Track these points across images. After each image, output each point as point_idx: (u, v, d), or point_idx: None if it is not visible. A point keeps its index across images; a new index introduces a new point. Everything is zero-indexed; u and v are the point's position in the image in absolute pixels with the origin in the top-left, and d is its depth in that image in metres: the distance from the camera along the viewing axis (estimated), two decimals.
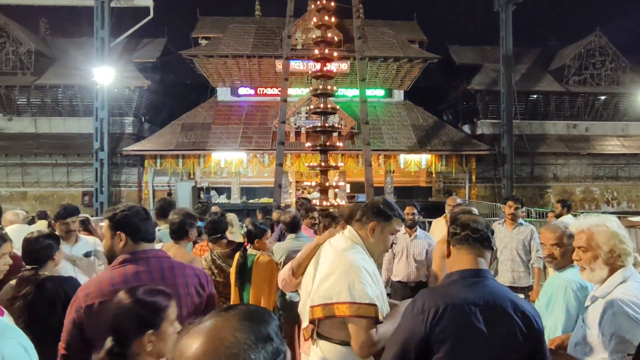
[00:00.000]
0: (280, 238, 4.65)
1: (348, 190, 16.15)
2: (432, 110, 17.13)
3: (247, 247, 3.14)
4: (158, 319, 1.25)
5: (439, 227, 4.39)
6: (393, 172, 15.68)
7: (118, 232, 1.61)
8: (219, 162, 14.32)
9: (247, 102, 16.23)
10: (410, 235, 3.99)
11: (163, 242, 2.81)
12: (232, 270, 3.03)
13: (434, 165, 14.91)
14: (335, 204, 8.50)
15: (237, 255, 3.14)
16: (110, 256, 1.62)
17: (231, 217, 5.48)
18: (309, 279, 1.73)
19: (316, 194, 16.57)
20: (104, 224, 1.65)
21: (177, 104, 17.49)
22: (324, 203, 8.11)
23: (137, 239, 1.63)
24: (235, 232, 5.27)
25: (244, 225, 3.35)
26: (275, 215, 4.98)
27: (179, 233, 2.59)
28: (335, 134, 15.85)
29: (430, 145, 14.89)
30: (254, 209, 15.47)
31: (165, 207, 3.91)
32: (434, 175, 16.20)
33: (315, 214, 4.04)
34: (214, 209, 5.43)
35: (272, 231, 4.56)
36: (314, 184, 8.87)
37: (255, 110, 15.88)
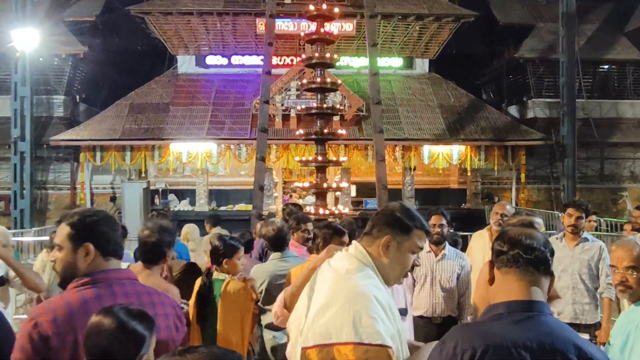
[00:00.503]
0: (262, 258, 4.70)
1: (353, 193, 16.34)
2: (467, 85, 17.20)
3: (213, 270, 3.12)
4: (143, 351, 1.38)
5: (481, 243, 4.33)
6: (414, 169, 15.80)
7: (85, 243, 1.60)
8: (179, 155, 14.34)
9: (218, 75, 16.32)
10: (436, 255, 4.00)
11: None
12: (191, 303, 3.02)
13: (470, 159, 14.98)
14: (337, 212, 8.49)
15: (198, 281, 3.13)
16: (68, 275, 1.60)
17: (189, 229, 5.51)
18: (301, 312, 1.74)
19: (310, 199, 16.73)
20: (61, 231, 1.64)
21: (124, 78, 17.41)
22: (321, 211, 8.11)
23: (107, 253, 1.65)
24: (197, 250, 5.28)
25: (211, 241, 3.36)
26: (258, 227, 5.01)
27: (153, 255, 2.60)
28: (336, 118, 15.59)
29: (465, 132, 14.90)
30: (228, 219, 15.79)
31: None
32: (469, 174, 16.27)
33: (310, 226, 4.03)
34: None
35: (249, 248, 4.59)
36: (307, 185, 8.88)
37: (229, 86, 15.96)
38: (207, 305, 3.00)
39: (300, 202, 15.82)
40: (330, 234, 3.12)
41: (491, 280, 1.50)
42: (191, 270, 3.50)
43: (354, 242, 1.84)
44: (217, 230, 6.19)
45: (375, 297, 1.61)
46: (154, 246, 2.63)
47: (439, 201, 16.69)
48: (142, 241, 2.65)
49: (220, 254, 3.11)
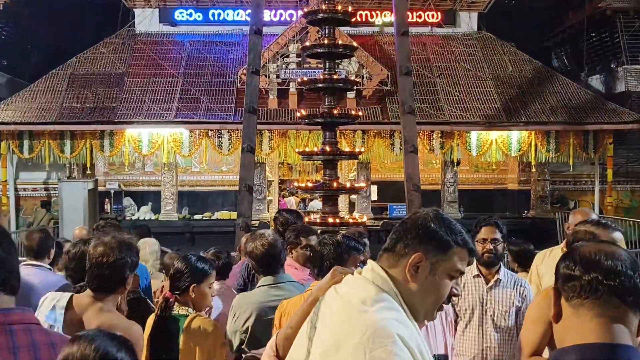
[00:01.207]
0: (247, 284, 4.79)
1: (374, 196, 16.64)
2: (531, 48, 17.34)
3: (172, 302, 3.13)
4: None
5: (550, 265, 4.14)
6: (458, 163, 15.88)
7: None
8: (138, 145, 14.47)
9: (191, 36, 16.64)
10: (487, 281, 4.01)
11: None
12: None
13: (535, 150, 14.98)
14: (351, 221, 8.53)
15: (151, 317, 3.15)
16: None
17: (147, 244, 5.56)
18: (299, 356, 1.78)
19: (316, 204, 16.95)
20: None
21: (62, 39, 17.60)
22: (331, 220, 8.16)
23: None
24: (155, 273, 5.35)
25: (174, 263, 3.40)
26: (243, 243, 4.99)
27: (110, 281, 2.64)
28: (351, 95, 15.68)
29: (528, 113, 14.96)
30: (204, 232, 16.06)
31: (45, 239, 4.08)
32: (533, 170, 16.28)
33: (313, 241, 4.07)
34: (77, 233, 5.38)
35: (226, 272, 4.62)
36: (312, 185, 8.93)
37: (206, 51, 16.17)
38: (163, 352, 2.99)
39: (301, 207, 15.95)
40: (340, 251, 3.13)
41: (557, 316, 1.49)
42: (137, 307, 3.49)
43: (370, 262, 1.84)
44: None
45: (400, 337, 1.62)
46: (113, 269, 2.64)
47: (491, 207, 16.80)
48: (94, 262, 2.66)
49: (185, 280, 3.11)
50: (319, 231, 5.85)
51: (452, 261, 1.77)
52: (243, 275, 4.90)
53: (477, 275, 4.03)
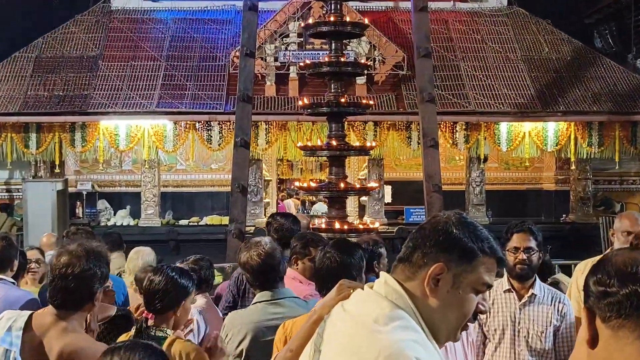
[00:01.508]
0: (237, 301, 4.86)
1: (389, 198, 16.62)
2: (569, 26, 17.36)
3: (149, 323, 3.13)
4: None
5: None
6: (485, 160, 15.90)
7: None
8: (114, 139, 14.51)
9: (175, 13, 16.68)
10: (520, 296, 4.02)
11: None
12: None
13: (574, 144, 14.97)
14: (361, 227, 8.53)
15: (123, 338, 3.11)
16: None
17: (139, 255, 5.61)
18: None
19: (320, 207, 16.91)
20: None
21: (26, 17, 17.70)
22: (338, 226, 8.18)
23: None
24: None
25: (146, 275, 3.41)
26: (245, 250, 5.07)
27: (75, 296, 2.63)
28: (361, 80, 15.63)
29: (566, 101, 14.98)
30: (190, 241, 16.04)
31: (7, 248, 4.09)
32: (572, 167, 16.26)
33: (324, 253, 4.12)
34: (44, 241, 5.48)
35: (208, 285, 4.67)
36: (315, 185, 8.93)
37: (192, 30, 16.24)
38: None
39: (297, 211, 15.94)
40: (343, 261, 3.15)
41: (592, 341, 1.46)
42: (118, 324, 3.49)
43: (382, 274, 1.84)
44: (118, 256, 6.31)
45: None
46: (79, 281, 2.63)
47: (524, 210, 16.72)
48: (57, 273, 2.66)
49: (166, 300, 3.12)
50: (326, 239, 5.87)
51: (478, 272, 1.77)
52: (232, 290, 4.92)
53: (509, 290, 4.02)
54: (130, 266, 5.55)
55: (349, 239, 4.37)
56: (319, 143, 9.09)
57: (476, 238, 1.78)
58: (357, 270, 3.30)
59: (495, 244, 1.82)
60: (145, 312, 3.16)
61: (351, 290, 1.95)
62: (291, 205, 16.77)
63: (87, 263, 2.65)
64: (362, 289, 1.88)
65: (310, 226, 7.62)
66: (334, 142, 8.51)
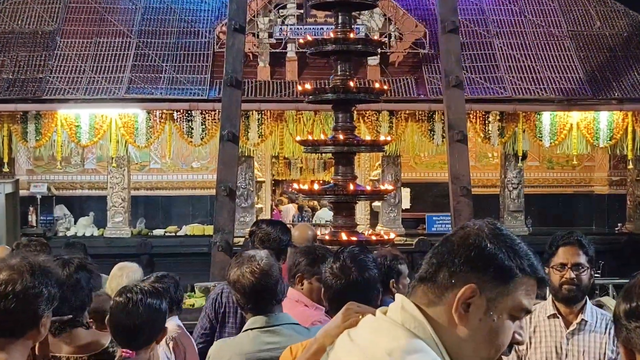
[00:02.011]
0: (216, 326, 4.90)
1: (407, 204, 16.70)
2: None
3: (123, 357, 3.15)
4: None
5: None
6: (524, 158, 15.90)
7: None
8: (75, 132, 14.52)
9: None
10: (568, 323, 4.02)
11: None
12: None
13: (631, 138, 15.01)
14: (374, 238, 8.52)
15: None
16: None
17: (126, 271, 5.66)
18: None
19: (324, 214, 16.83)
20: None
21: None
22: (345, 237, 8.14)
23: None
24: None
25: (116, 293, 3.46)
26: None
27: (18, 319, 2.62)
28: (373, 62, 15.50)
29: (622, 86, 15.02)
30: (167, 254, 15.93)
31: None
32: (630, 166, 16.26)
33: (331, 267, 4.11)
34: None
35: (173, 302, 4.62)
36: (318, 187, 8.88)
37: (169, 0, 16.19)
38: None
39: (297, 219, 15.86)
40: (354, 277, 3.19)
41: None
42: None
43: (399, 297, 1.84)
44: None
45: None
46: (21, 301, 2.60)
47: (571, 219, 16.79)
48: None
49: (149, 334, 3.20)
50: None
51: (516, 296, 1.77)
52: (209, 314, 4.93)
53: (554, 316, 4.02)
54: (113, 286, 5.54)
55: (364, 247, 4.34)
56: (323, 137, 9.03)
57: (514, 254, 1.77)
58: (372, 289, 3.31)
59: (536, 260, 1.81)
60: (123, 350, 3.17)
61: (360, 316, 1.93)
62: (290, 212, 16.78)
63: (32, 280, 2.61)
64: (374, 314, 1.87)
65: (316, 235, 7.64)
66: (340, 136, 8.49)
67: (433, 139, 14.58)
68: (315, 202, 16.56)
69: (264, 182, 16.78)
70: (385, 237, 8.68)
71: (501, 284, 1.75)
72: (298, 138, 9.96)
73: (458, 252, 1.78)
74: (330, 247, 7.49)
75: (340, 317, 2.04)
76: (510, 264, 1.76)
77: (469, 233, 1.82)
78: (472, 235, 1.80)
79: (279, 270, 3.74)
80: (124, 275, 5.52)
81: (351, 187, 8.43)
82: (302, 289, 4.34)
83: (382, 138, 10.06)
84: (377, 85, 8.96)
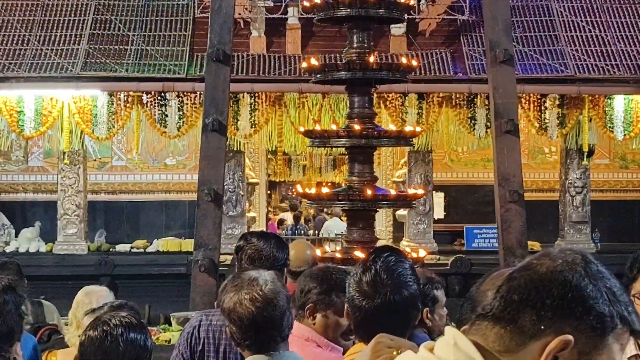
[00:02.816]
0: None
1: (440, 212, 16.85)
2: None
3: None
4: None
5: None
6: (591, 154, 15.92)
7: None
8: (16, 119, 14.51)
9: None
10: None
11: None
12: None
13: None
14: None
15: None
16: None
17: (95, 296, 5.70)
18: None
19: (334, 225, 16.77)
20: None
21: None
22: (362, 255, 8.07)
23: None
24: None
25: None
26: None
27: None
28: (397, 30, 15.70)
29: None
30: (132, 276, 15.78)
31: None
32: None
33: (359, 282, 4.10)
34: None
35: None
36: (328, 191, 8.97)
37: None
38: None
39: (302, 230, 15.72)
40: (388, 295, 3.18)
41: None
42: None
43: (450, 332, 1.82)
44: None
45: None
46: None
47: None
48: None
49: None
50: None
51: (612, 352, 1.77)
52: (183, 353, 4.92)
53: (636, 357, 4.02)
54: (79, 315, 5.56)
55: (400, 251, 4.27)
56: (334, 127, 9.04)
57: (615, 298, 1.77)
58: (411, 312, 3.31)
59: (632, 307, 1.81)
60: None
61: (394, 352, 1.95)
62: (288, 222, 16.79)
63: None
64: (413, 349, 1.87)
65: (316, 256, 7.51)
66: (356, 126, 8.47)
67: (474, 129, 14.59)
68: (324, 211, 16.55)
69: (257, 184, 16.76)
70: (414, 254, 8.58)
71: (598, 336, 1.74)
72: (302, 128, 9.94)
73: (549, 290, 1.76)
74: (346, 268, 7.54)
75: (368, 353, 2.05)
76: (612, 312, 1.75)
77: (560, 267, 1.78)
78: (566, 270, 1.78)
79: (287, 299, 3.74)
80: (92, 302, 5.53)
81: (369, 191, 8.40)
82: (314, 323, 4.27)
83: (409, 128, 10.04)
84: (403, 60, 8.94)
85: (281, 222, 17.81)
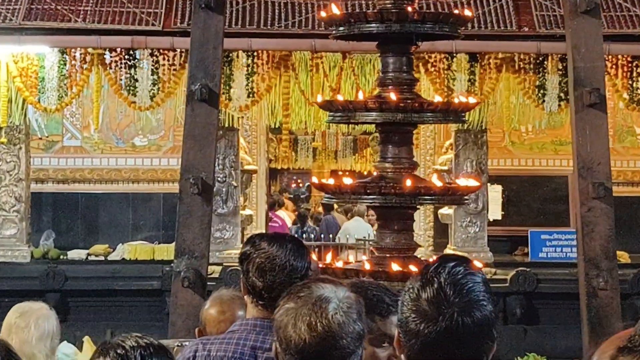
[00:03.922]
0: None
1: (496, 211, 16.99)
2: None
3: None
4: None
5: None
6: None
7: None
8: None
9: None
10: None
11: None
12: None
13: None
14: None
15: None
16: None
17: (33, 317, 5.73)
18: None
19: (357, 226, 16.76)
20: None
21: None
22: (398, 268, 8.11)
23: None
24: None
25: None
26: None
27: None
28: None
29: None
30: (89, 292, 15.78)
31: None
32: None
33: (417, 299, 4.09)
34: None
35: None
36: (351, 182, 8.94)
37: None
38: None
39: (310, 232, 15.75)
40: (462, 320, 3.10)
41: None
42: None
43: None
44: None
45: None
46: None
47: None
48: None
49: None
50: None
51: None
52: None
53: None
54: (18, 341, 5.55)
55: (469, 262, 4.14)
56: (361, 96, 9.01)
57: None
58: (484, 340, 3.26)
59: None
60: None
61: None
62: (285, 219, 16.87)
63: None
64: None
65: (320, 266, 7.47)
66: (392, 95, 8.49)
67: (543, 102, 14.58)
68: (342, 207, 16.55)
69: (255, 172, 16.71)
70: (477, 264, 8.60)
71: None
72: (319, 98, 9.93)
73: None
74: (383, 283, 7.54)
75: None
76: None
77: None
78: None
79: (359, 336, 3.66)
80: (31, 325, 5.50)
81: (409, 181, 8.41)
82: None
83: (458, 100, 10.00)
84: (456, 11, 8.91)
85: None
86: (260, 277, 4.99)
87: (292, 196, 19.91)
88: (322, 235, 17.15)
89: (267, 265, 5.11)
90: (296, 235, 15.74)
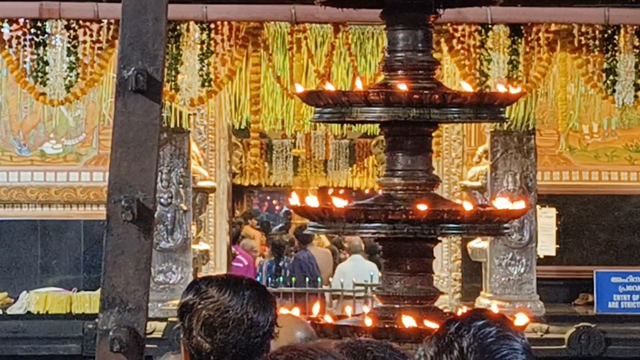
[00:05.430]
0: None
1: (550, 245, 16.86)
2: None
3: None
4: None
5: None
6: None
7: None
8: None
9: None
10: None
11: None
12: None
13: None
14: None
15: None
16: None
17: None
18: None
19: (354, 267, 16.75)
20: None
21: None
22: (410, 322, 8.17)
23: None
24: None
25: None
26: None
27: None
28: None
29: None
30: None
31: None
32: None
33: None
34: None
35: None
36: (342, 204, 9.05)
37: None
38: None
39: (249, 272, 15.87)
40: None
41: None
42: None
43: None
44: None
45: None
46: None
47: None
48: None
49: None
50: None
51: None
52: None
53: None
54: None
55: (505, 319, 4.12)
56: (360, 84, 9.08)
57: None
58: None
59: None
60: None
61: None
62: (253, 248, 16.98)
63: None
64: None
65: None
66: (402, 84, 8.57)
67: (614, 92, 14.64)
68: (333, 241, 16.72)
69: (213, 190, 16.80)
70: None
71: None
72: (298, 88, 10.00)
73: None
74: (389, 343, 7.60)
75: None
76: None
77: None
78: None
79: None
80: None
81: (426, 204, 8.50)
82: None
83: (496, 89, 10.07)
84: None
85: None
86: (207, 336, 4.98)
87: (259, 225, 19.98)
88: (293, 279, 17.30)
89: (216, 319, 5.09)
90: (268, 274, 15.86)
